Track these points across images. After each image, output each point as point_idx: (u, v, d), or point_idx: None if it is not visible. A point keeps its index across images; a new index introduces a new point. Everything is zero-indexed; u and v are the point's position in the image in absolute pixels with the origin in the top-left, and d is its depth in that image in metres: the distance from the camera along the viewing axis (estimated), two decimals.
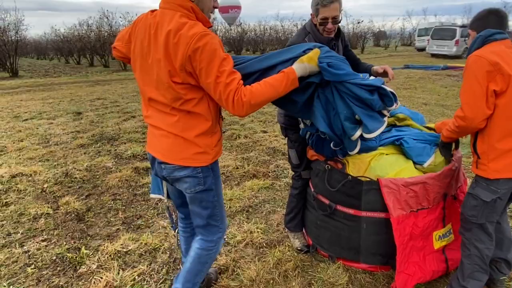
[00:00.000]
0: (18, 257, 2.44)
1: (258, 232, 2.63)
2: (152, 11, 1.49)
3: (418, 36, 24.88)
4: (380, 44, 37.15)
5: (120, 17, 21.06)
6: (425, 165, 1.88)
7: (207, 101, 1.47)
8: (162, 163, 1.53)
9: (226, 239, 2.57)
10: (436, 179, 1.83)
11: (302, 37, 2.17)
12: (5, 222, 2.93)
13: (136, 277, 2.19)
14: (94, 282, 2.13)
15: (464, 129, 1.64)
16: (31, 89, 10.86)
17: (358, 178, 1.87)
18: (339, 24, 2.12)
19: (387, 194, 1.80)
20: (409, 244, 1.89)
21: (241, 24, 29.64)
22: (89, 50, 22.47)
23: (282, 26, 34.55)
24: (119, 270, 2.25)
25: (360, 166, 1.93)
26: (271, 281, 2.12)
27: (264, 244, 2.51)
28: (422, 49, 21.75)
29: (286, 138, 2.35)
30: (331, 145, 1.88)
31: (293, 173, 2.43)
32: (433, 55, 18.64)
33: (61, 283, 2.18)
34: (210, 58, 1.32)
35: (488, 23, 1.64)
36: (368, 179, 1.85)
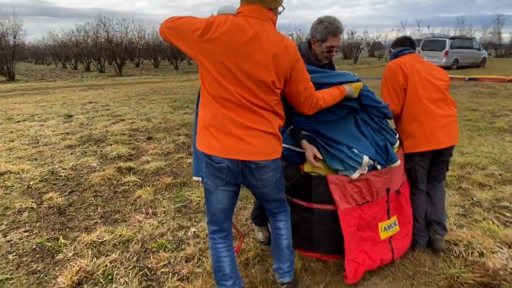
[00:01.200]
0: (0, 246, 2.60)
1: None
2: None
3: None
4: (374, 55, 37.80)
5: (117, 23, 21.32)
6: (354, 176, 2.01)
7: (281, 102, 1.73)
8: (252, 162, 1.62)
9: (196, 232, 2.75)
10: (377, 176, 2.03)
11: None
12: None
13: (108, 264, 2.36)
14: (68, 268, 2.30)
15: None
16: (26, 92, 11.04)
17: (309, 173, 2.06)
18: None
19: (334, 189, 2.00)
20: (357, 235, 2.07)
21: None
22: (86, 55, 22.73)
23: None
24: (92, 258, 2.42)
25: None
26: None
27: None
28: None
29: None
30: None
31: None
32: None
33: (38, 268, 2.34)
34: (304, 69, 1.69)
35: (403, 44, 2.40)
36: (317, 175, 2.04)
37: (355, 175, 1.97)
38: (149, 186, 3.64)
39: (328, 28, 2.06)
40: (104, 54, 20.33)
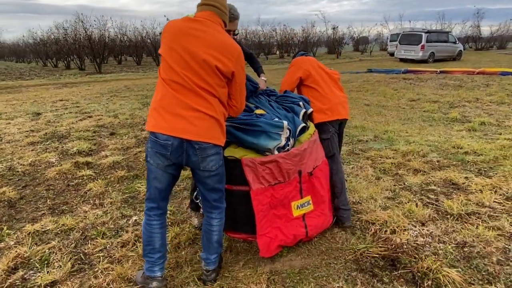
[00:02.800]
0: None
1: (167, 213, 2.99)
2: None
3: (390, 41, 25.85)
4: (359, 49, 38.28)
5: (95, 20, 21.11)
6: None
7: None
8: (196, 143, 1.78)
9: (137, 220, 2.92)
10: (286, 158, 2.22)
11: None
12: None
13: (46, 250, 2.51)
14: (6, 254, 2.44)
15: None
16: None
17: (227, 157, 2.24)
18: (239, 38, 2.67)
19: (247, 171, 2.19)
20: (271, 212, 2.27)
21: None
22: (65, 53, 22.45)
23: (262, 30, 35.31)
24: (32, 245, 2.56)
25: (234, 149, 2.30)
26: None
27: (169, 223, 2.86)
28: (393, 54, 22.66)
29: None
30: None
31: None
32: (401, 60, 19.45)
33: None
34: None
35: (303, 50, 3.08)
36: (233, 158, 2.22)
37: (283, 141, 2.19)
38: (101, 179, 3.78)
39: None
40: (83, 52, 20.14)
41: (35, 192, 3.55)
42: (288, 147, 2.27)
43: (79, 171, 4.03)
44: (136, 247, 2.52)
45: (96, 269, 2.30)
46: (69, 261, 2.38)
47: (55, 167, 4.15)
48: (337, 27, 32.27)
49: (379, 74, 13.04)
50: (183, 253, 2.46)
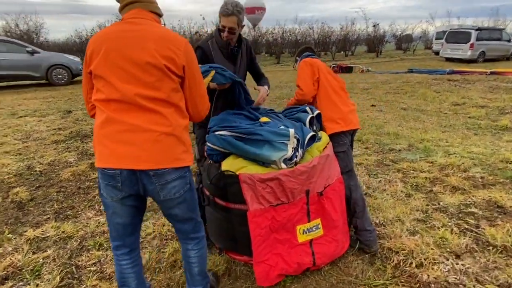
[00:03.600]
0: None
1: (169, 225, 2.81)
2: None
3: (436, 39, 24.25)
4: (401, 48, 36.43)
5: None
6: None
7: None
8: (151, 171, 1.47)
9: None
10: (290, 176, 1.93)
11: (207, 39, 2.38)
12: None
13: (41, 260, 2.42)
14: (0, 262, 2.38)
15: (302, 101, 2.49)
16: (38, 88, 11.51)
17: (224, 171, 2.00)
18: (246, 36, 2.43)
19: (245, 189, 1.93)
20: (271, 236, 2.00)
21: (254, 27, 29.90)
22: None
23: (299, 29, 34.66)
24: (28, 253, 2.48)
25: (232, 161, 2.05)
26: (157, 269, 2.29)
27: (170, 237, 2.68)
28: (439, 53, 21.23)
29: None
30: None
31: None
32: (447, 59, 18.16)
33: None
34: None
35: (309, 51, 2.77)
36: (231, 173, 1.98)
37: (290, 151, 1.93)
38: None
39: (221, 8, 2.24)
40: None
41: (46, 193, 3.53)
42: (296, 159, 1.99)
43: (93, 173, 3.99)
44: None
45: (84, 286, 2.16)
46: (59, 274, 2.26)
47: (71, 168, 4.14)
48: (378, 24, 30.93)
49: (421, 75, 12.16)
50: (177, 273, 2.26)
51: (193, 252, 1.76)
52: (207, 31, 24.48)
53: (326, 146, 2.19)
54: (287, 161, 1.97)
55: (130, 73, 1.43)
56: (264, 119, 2.24)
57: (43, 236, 2.72)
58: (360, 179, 3.60)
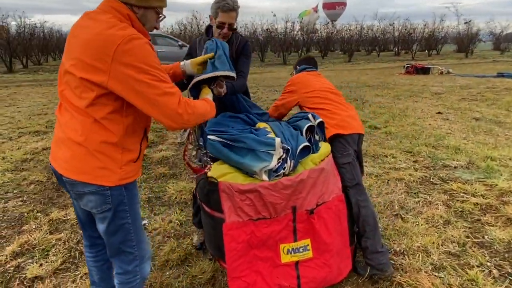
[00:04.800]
0: None
1: (175, 223, 2.82)
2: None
3: None
4: (500, 48, 31.99)
5: (206, 17, 22.76)
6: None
7: None
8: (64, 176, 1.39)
9: (146, 224, 2.83)
10: (271, 189, 1.76)
11: (197, 39, 2.34)
12: (11, 183, 3.72)
13: (53, 241, 2.62)
14: (19, 238, 2.63)
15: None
16: None
17: (208, 177, 1.91)
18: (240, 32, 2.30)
19: (224, 199, 1.82)
20: (251, 252, 1.86)
21: (328, 23, 29.04)
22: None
23: (379, 25, 32.63)
24: (45, 233, 2.71)
25: (218, 166, 1.96)
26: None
27: (173, 235, 2.69)
28: None
29: None
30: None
31: None
32: None
33: (3, 234, 2.74)
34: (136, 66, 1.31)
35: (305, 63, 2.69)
36: (213, 180, 1.88)
37: (274, 162, 1.77)
38: (143, 173, 3.87)
39: (218, 3, 2.09)
40: None
41: None
42: (283, 171, 1.81)
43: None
44: None
45: (78, 272, 2.27)
46: (62, 257, 2.42)
47: None
48: (470, 21, 27.61)
49: None
50: (167, 273, 2.25)
51: (115, 280, 1.59)
52: (276, 28, 24.51)
53: (323, 159, 1.95)
54: (272, 172, 1.80)
55: (60, 73, 1.39)
56: (261, 125, 2.09)
57: (64, 218, 2.95)
58: (395, 197, 3.21)
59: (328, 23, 29.23)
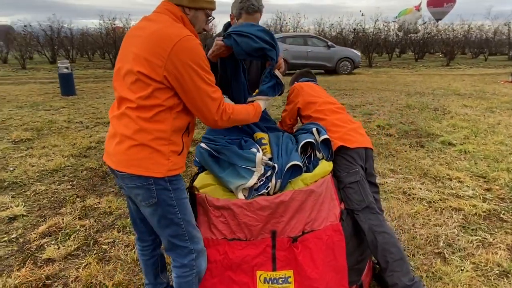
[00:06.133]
0: (48, 191, 3.52)
1: None
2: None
3: None
4: None
5: (290, 17, 22.66)
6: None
7: None
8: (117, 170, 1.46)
9: None
10: (246, 209, 1.56)
11: (214, 39, 2.24)
12: (70, 167, 4.17)
13: (78, 227, 2.82)
14: (51, 220, 2.90)
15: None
16: None
17: (192, 186, 1.82)
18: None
19: (200, 213, 1.70)
20: (225, 274, 1.70)
21: (425, 22, 26.40)
22: None
23: (492, 25, 28.50)
24: (74, 218, 2.95)
25: (204, 176, 1.85)
26: None
27: None
28: None
29: None
30: None
31: None
32: None
33: (44, 214, 3.06)
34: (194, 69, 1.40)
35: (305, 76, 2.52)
36: (195, 190, 1.77)
37: (252, 181, 1.63)
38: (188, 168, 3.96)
39: (242, 3, 1.94)
40: None
41: None
42: (264, 190, 1.63)
43: None
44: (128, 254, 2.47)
45: (84, 261, 2.39)
46: (78, 244, 2.59)
47: None
48: None
49: None
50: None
51: (172, 273, 1.61)
52: (363, 28, 23.21)
53: (317, 180, 1.69)
54: (253, 191, 1.62)
55: (118, 72, 1.46)
56: (258, 135, 1.91)
57: (95, 206, 3.17)
58: (445, 231, 2.69)
59: (425, 22, 26.56)
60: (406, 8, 30.68)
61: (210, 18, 1.60)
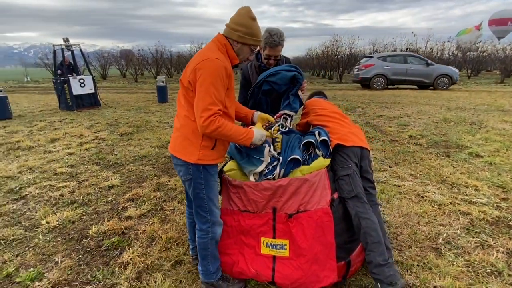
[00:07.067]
0: (135, 170, 4.09)
1: None
2: None
3: None
4: None
5: (346, 40, 21.63)
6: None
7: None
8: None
9: None
10: (253, 188, 1.74)
11: (248, 65, 2.44)
12: (154, 155, 4.75)
13: (152, 196, 3.26)
14: (135, 190, 3.40)
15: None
16: None
17: (221, 171, 2.05)
18: (290, 58, 2.44)
19: (223, 188, 1.93)
20: (239, 237, 1.91)
21: (480, 42, 23.33)
22: (321, 66, 25.00)
23: None
24: (150, 190, 3.41)
25: (231, 162, 2.07)
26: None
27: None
28: None
29: None
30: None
31: None
32: None
33: (130, 186, 3.59)
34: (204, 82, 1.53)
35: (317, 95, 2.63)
36: (223, 172, 2.00)
37: (260, 168, 1.81)
38: None
39: (266, 39, 2.12)
40: (330, 65, 21.78)
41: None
42: (271, 176, 1.80)
43: None
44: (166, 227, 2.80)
45: (151, 220, 2.79)
46: (149, 208, 3.01)
47: None
48: None
49: None
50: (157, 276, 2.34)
51: (196, 233, 1.80)
52: (415, 48, 21.39)
53: (312, 172, 1.79)
54: (262, 176, 1.81)
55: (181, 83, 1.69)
56: (274, 132, 2.07)
57: (165, 183, 3.62)
58: (447, 230, 2.54)
59: (480, 41, 23.49)
60: (466, 28, 27.68)
61: (254, 51, 1.72)
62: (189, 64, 1.59)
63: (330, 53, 21.14)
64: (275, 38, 2.07)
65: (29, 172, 4.02)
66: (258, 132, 1.75)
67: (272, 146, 1.92)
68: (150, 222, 2.75)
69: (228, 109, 1.65)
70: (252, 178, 1.81)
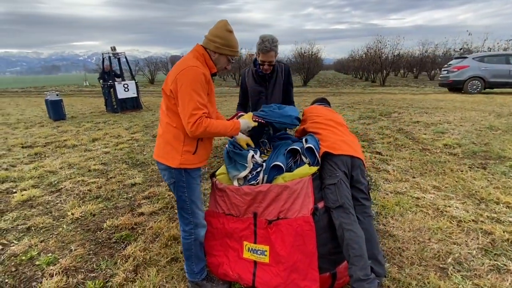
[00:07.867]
0: (158, 170, 4.35)
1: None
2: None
3: None
4: None
5: (388, 41, 20.49)
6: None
7: None
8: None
9: None
10: (235, 192, 1.77)
11: (246, 70, 2.54)
12: None
13: (166, 195, 3.46)
14: (154, 188, 3.62)
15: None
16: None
17: (214, 172, 2.13)
18: (286, 63, 2.45)
19: (212, 191, 2.00)
20: (224, 239, 1.96)
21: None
22: (363, 67, 24.06)
23: None
24: (167, 190, 3.61)
25: (222, 167, 2.13)
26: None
27: None
28: None
29: None
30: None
31: None
32: None
33: (151, 185, 3.83)
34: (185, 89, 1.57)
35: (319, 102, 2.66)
36: (215, 175, 2.07)
37: (243, 173, 1.86)
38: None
39: (259, 45, 2.21)
40: (372, 67, 20.80)
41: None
42: (254, 182, 1.84)
43: None
44: None
45: (159, 218, 2.96)
46: (161, 206, 3.20)
47: None
48: None
49: None
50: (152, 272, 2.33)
51: (181, 235, 1.86)
52: (468, 48, 19.55)
53: (294, 179, 1.78)
54: (246, 182, 1.85)
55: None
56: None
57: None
58: (460, 250, 2.33)
59: None
60: None
61: (232, 61, 1.77)
62: (170, 74, 1.69)
63: (373, 54, 20.21)
64: (266, 44, 2.11)
65: (68, 168, 4.50)
66: (244, 122, 1.83)
67: (258, 153, 1.95)
68: (159, 220, 2.92)
69: (210, 114, 1.72)
70: (236, 183, 1.86)
